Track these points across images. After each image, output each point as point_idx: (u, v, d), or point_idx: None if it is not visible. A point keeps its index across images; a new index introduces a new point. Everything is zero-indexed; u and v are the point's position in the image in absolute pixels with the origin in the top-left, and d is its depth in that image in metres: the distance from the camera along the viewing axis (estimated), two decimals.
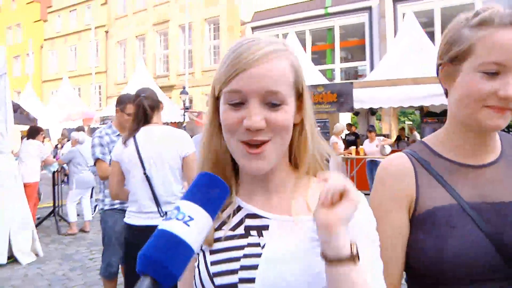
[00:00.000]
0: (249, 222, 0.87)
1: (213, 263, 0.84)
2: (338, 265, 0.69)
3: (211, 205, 0.66)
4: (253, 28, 21.62)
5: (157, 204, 2.76)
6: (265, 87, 0.79)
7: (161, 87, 18.77)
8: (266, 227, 0.85)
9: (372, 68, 17.64)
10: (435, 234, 0.97)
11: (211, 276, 0.83)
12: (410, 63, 11.33)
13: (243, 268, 0.81)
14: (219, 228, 0.88)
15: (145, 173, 2.76)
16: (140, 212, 2.78)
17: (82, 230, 7.45)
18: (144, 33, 26.60)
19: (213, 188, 0.68)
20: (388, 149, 9.96)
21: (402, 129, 16.09)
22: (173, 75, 25.00)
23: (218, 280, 0.82)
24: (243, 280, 0.80)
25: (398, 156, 1.10)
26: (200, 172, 0.70)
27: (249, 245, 0.84)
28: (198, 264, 0.87)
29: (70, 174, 7.70)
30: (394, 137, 14.15)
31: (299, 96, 0.87)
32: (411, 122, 32.64)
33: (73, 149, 7.55)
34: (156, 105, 2.89)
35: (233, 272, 0.82)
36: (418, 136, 15.88)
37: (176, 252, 0.60)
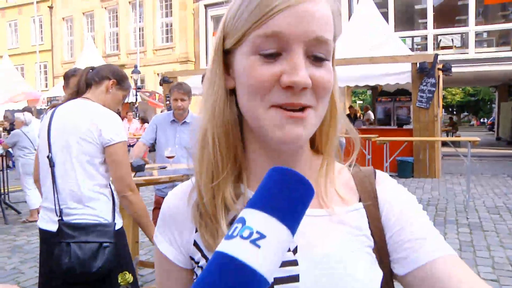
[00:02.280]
0: None
1: None
2: None
3: (290, 214, 0.46)
4: (206, 6, 21.07)
5: (55, 200, 2.15)
6: (315, 31, 0.59)
7: None
8: None
9: None
10: None
11: None
12: (365, 43, 11.40)
13: (278, 281, 0.62)
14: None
15: (48, 156, 2.17)
16: (45, 209, 2.23)
17: (28, 220, 6.91)
18: (91, 9, 25.28)
19: (291, 188, 0.47)
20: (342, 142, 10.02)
21: (351, 107, 16.10)
22: (124, 54, 24.03)
23: None
24: None
25: None
26: (272, 168, 0.49)
27: None
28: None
29: (16, 158, 7.18)
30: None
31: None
32: (361, 102, 33.39)
33: (18, 131, 6.96)
34: (94, 80, 2.34)
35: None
36: (372, 115, 16.21)
37: (240, 285, 0.42)
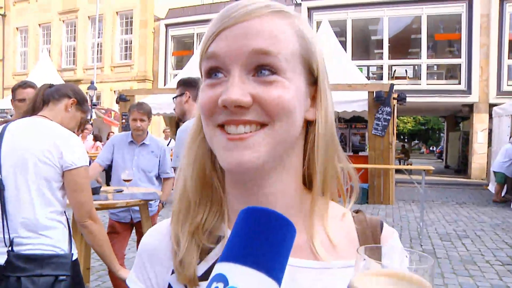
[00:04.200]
0: None
1: None
2: None
3: (277, 264, 0.40)
4: (167, 25, 20.96)
5: (4, 228, 1.92)
6: (251, 45, 0.56)
7: (66, 81, 17.48)
8: None
9: None
10: None
11: None
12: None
13: None
14: (207, 274, 0.61)
15: None
16: None
17: None
18: (48, 21, 24.57)
19: (271, 231, 0.40)
20: None
21: None
22: (80, 68, 23.40)
23: None
24: None
25: None
26: (244, 209, 0.43)
27: None
28: None
29: None
30: None
31: (313, 82, 0.64)
32: None
33: None
34: (53, 97, 2.18)
35: None
36: None
37: None
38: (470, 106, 16.76)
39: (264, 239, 0.40)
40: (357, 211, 0.71)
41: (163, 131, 12.62)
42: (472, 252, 6.09)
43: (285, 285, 0.60)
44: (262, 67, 0.57)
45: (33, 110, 2.17)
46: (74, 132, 2.22)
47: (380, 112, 10.13)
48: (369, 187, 10.55)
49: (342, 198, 0.71)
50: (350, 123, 14.82)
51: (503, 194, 11.01)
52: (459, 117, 23.12)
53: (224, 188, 0.66)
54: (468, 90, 16.26)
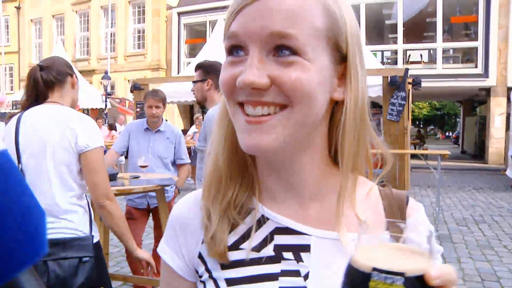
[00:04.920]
0: (280, 239, 0.62)
1: None
2: None
3: None
4: (180, 13, 20.93)
5: None
6: (268, 27, 0.54)
7: (80, 72, 17.66)
8: (306, 248, 0.62)
9: None
10: None
11: None
12: None
13: None
14: (236, 245, 0.63)
15: (19, 168, 1.99)
16: None
17: None
18: (62, 12, 24.73)
19: None
20: None
21: None
22: (94, 59, 23.57)
23: None
24: None
25: None
26: None
27: (284, 273, 0.60)
28: None
29: None
30: None
31: (342, 59, 0.61)
32: None
33: None
34: (56, 79, 2.14)
35: None
36: None
37: None
38: (487, 90, 16.46)
39: None
40: (383, 185, 0.71)
41: (196, 118, 12.11)
42: (490, 237, 6.04)
43: (313, 255, 0.61)
44: (282, 47, 0.55)
45: (37, 96, 2.13)
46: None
47: (394, 97, 10.01)
48: None
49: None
50: None
51: None
52: (476, 102, 22.76)
53: (255, 163, 0.67)
54: (485, 74, 15.95)
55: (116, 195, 3.09)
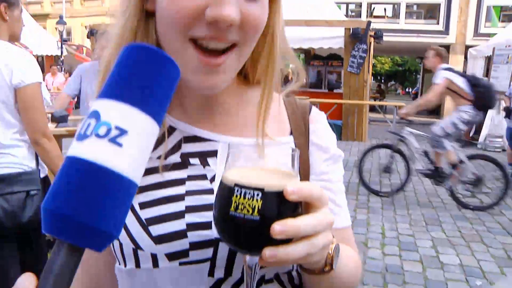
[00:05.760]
0: (187, 147, 0.63)
1: (143, 205, 0.59)
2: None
3: (155, 101, 0.38)
4: None
5: None
6: None
7: (32, 15, 16.69)
8: (213, 153, 0.63)
9: None
10: None
11: (145, 224, 0.58)
12: (302, 5, 11.40)
13: (190, 209, 0.58)
14: None
15: None
16: None
17: None
18: None
19: (152, 69, 0.38)
20: None
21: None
22: (47, 2, 22.32)
23: (156, 229, 0.57)
24: (193, 226, 0.57)
25: None
26: (125, 46, 0.40)
27: (191, 177, 0.61)
28: None
29: None
30: None
31: None
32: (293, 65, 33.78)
33: None
34: None
35: (177, 216, 0.58)
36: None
37: (104, 195, 0.34)
38: (447, 47, 16.79)
39: (144, 76, 0.38)
40: (288, 96, 0.73)
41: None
42: (437, 187, 6.35)
43: (219, 159, 0.62)
44: None
45: None
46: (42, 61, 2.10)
47: (356, 49, 10.07)
48: (342, 124, 10.70)
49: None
50: (326, 60, 14.78)
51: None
52: None
53: None
54: (446, 31, 16.26)
55: (66, 136, 3.03)
